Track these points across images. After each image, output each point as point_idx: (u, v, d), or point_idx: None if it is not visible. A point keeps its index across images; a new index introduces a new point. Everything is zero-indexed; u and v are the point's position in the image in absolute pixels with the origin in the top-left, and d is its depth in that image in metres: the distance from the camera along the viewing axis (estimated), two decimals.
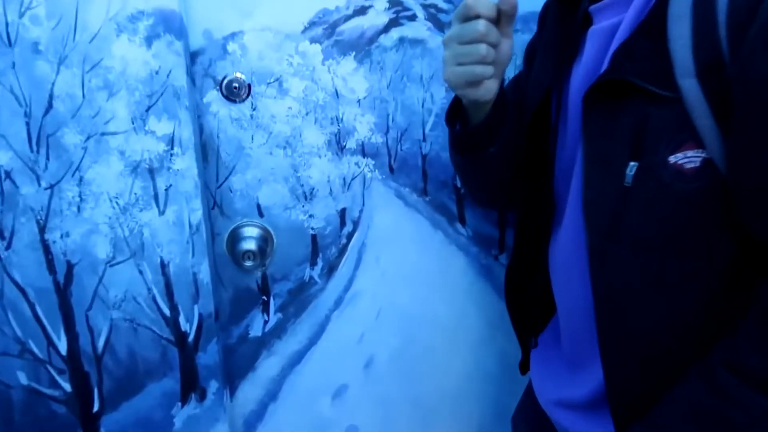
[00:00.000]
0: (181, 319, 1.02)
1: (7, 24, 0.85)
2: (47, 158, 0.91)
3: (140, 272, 0.99)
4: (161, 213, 0.97)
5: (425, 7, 1.01)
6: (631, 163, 0.61)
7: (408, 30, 1.02)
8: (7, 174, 0.91)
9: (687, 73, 0.56)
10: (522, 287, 0.92)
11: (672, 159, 0.58)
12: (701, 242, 0.60)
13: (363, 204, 1.09)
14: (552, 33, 0.80)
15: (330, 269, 1.12)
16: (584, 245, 0.68)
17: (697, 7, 0.56)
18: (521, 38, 1.04)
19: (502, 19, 0.69)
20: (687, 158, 0.58)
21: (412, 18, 1.01)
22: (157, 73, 0.91)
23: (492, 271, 1.17)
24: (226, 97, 0.99)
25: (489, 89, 0.72)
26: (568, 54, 0.75)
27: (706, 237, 0.60)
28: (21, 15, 0.85)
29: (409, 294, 1.15)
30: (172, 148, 0.94)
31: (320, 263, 1.11)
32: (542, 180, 0.81)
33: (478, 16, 0.67)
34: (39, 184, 0.92)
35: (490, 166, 0.83)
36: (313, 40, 1.00)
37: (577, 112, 0.70)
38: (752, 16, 0.52)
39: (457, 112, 0.81)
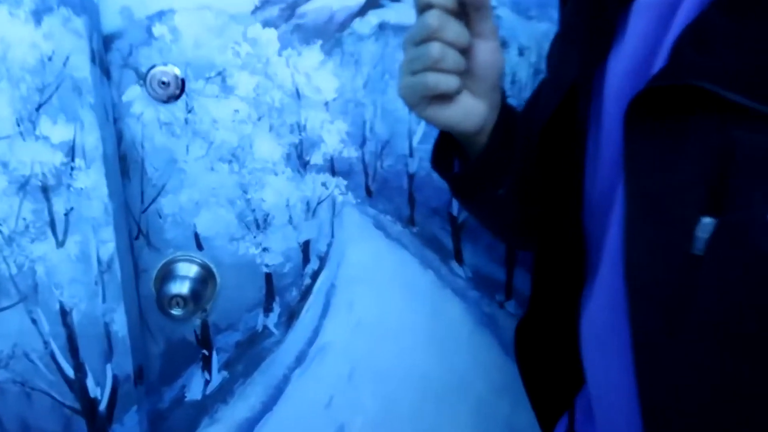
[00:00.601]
0: (90, 382, 0.80)
1: None
2: None
3: (33, 321, 0.77)
4: (60, 245, 0.75)
5: None
6: (705, 220, 0.38)
7: (390, 13, 0.80)
8: None
9: None
10: (541, 350, 0.70)
11: None
12: None
13: (332, 235, 0.88)
14: (577, 9, 0.57)
15: (290, 317, 0.90)
16: (627, 322, 0.44)
17: None
18: (536, 27, 0.82)
19: (469, 11, 0.49)
20: None
21: None
22: (50, 59, 0.69)
23: (496, 322, 0.94)
24: (153, 95, 0.77)
25: (466, 112, 0.52)
26: (602, 39, 0.52)
27: None
28: None
29: (390, 349, 0.93)
30: (72, 160, 0.72)
31: (277, 309, 0.89)
32: (568, 212, 0.58)
33: (429, 6, 0.48)
34: None
35: (502, 207, 0.63)
36: (266, 24, 0.78)
37: (616, 128, 0.47)
38: None
39: (449, 145, 0.61)
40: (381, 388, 0.95)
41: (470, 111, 0.53)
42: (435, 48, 0.48)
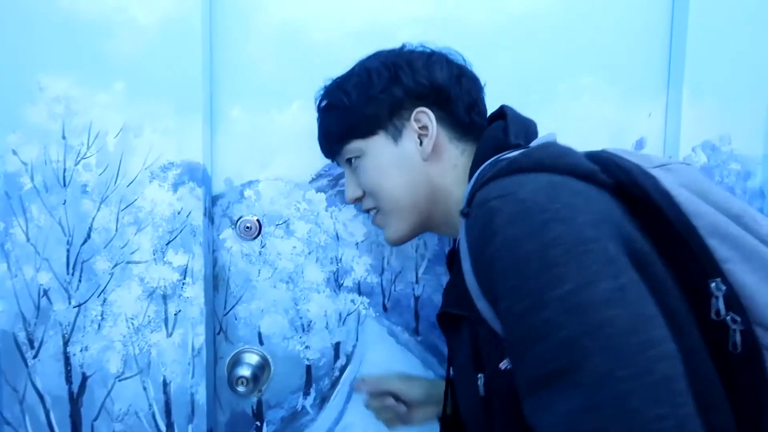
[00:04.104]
0: None
1: (64, 170, 1.04)
2: (79, 280, 1.06)
3: (144, 389, 1.08)
4: (169, 335, 1.08)
5: None
6: (479, 375, 0.69)
7: None
8: (45, 292, 1.06)
9: (478, 297, 0.66)
10: None
11: (502, 366, 0.65)
12: None
13: (357, 339, 1.16)
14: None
15: (322, 400, 1.17)
16: None
17: (469, 245, 0.66)
18: None
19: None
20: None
21: None
22: (179, 213, 1.06)
23: None
24: (240, 235, 1.13)
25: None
26: None
27: None
28: (76, 163, 1.04)
29: (398, 430, 1.17)
30: (184, 278, 1.07)
31: (313, 393, 1.16)
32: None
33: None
34: (69, 303, 1.06)
35: None
36: (318, 190, 1.13)
37: None
38: (475, 249, 0.64)
39: None
40: None
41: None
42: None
